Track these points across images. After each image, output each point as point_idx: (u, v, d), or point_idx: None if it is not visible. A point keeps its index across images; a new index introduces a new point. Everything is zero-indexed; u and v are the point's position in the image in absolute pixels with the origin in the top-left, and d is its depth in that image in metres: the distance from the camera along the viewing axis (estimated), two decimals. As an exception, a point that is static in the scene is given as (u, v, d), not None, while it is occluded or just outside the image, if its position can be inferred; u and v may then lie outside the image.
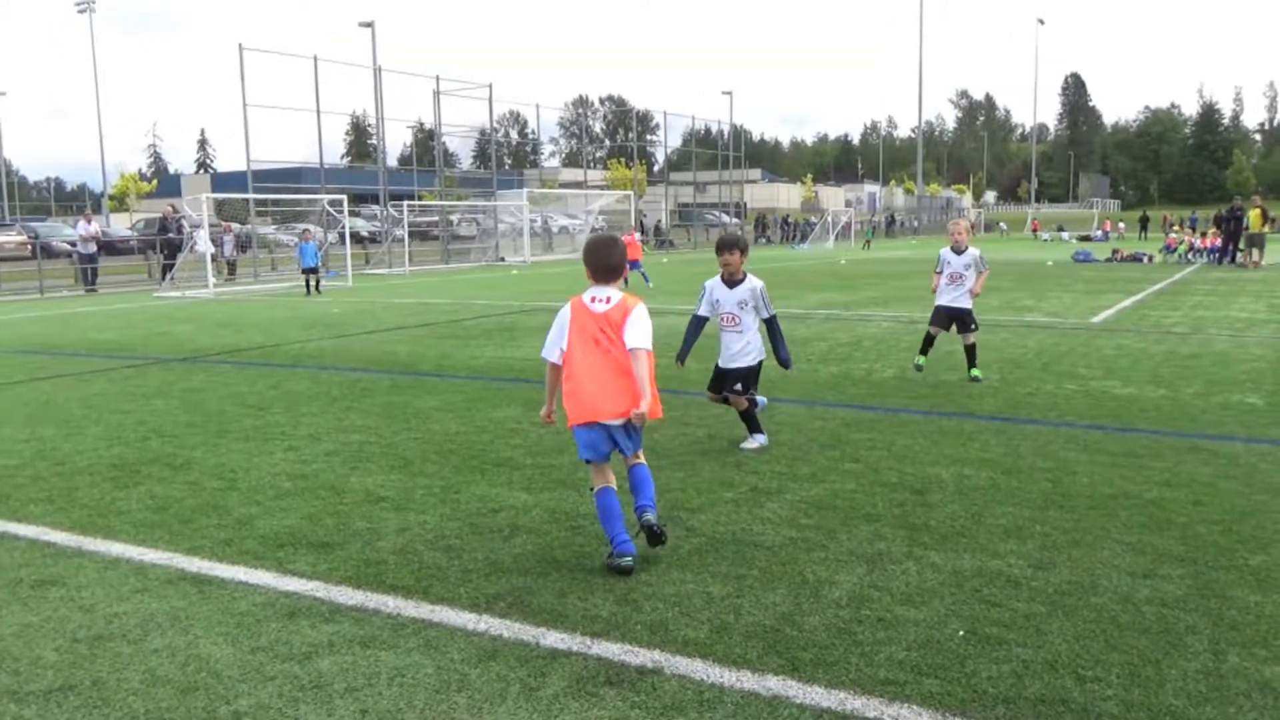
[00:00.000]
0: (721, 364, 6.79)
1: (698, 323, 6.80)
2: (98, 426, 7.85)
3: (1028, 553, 4.67)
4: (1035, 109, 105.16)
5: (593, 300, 4.70)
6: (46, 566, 4.69)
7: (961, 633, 3.80)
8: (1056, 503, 5.46)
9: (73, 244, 31.35)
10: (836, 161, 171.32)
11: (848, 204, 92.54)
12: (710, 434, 7.22)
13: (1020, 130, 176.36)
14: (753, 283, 6.63)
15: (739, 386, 6.69)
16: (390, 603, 4.18)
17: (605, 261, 4.72)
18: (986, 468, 6.20)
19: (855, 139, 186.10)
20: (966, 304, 9.53)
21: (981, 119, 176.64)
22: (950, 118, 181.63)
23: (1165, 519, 5.15)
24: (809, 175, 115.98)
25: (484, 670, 3.55)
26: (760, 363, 6.76)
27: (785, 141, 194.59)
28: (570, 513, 5.36)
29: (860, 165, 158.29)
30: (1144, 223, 66.09)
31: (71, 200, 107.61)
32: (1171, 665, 3.52)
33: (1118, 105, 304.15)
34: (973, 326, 9.56)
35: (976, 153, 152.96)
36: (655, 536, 4.57)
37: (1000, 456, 6.49)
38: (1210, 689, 3.35)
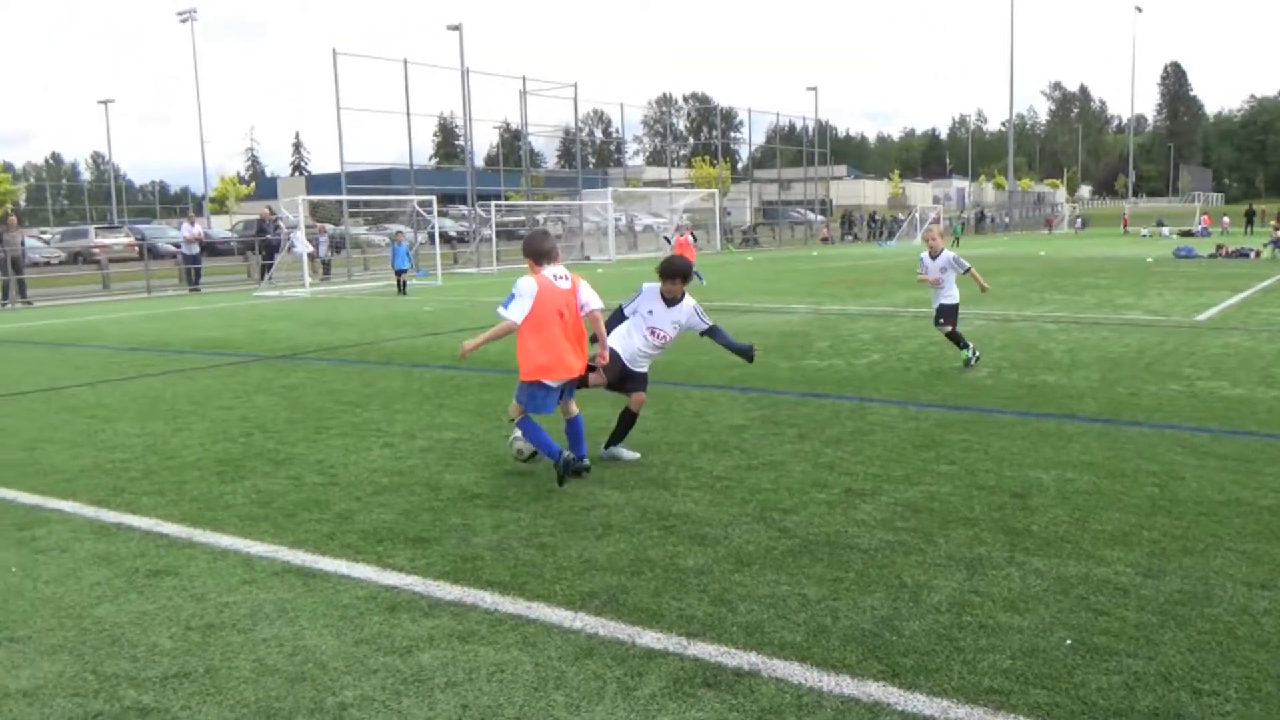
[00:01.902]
0: (630, 366, 6.72)
1: (619, 318, 6.76)
2: (204, 422, 8.13)
3: (1136, 560, 4.52)
4: (1133, 100, 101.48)
5: (555, 278, 5.91)
6: (160, 557, 4.87)
7: (1069, 641, 3.69)
8: (1164, 508, 5.27)
9: (177, 245, 32.57)
10: (924, 157, 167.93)
11: (936, 200, 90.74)
12: (800, 434, 7.16)
13: (1117, 122, 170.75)
14: (689, 302, 6.70)
15: (639, 385, 6.74)
16: (487, 598, 4.24)
17: (540, 248, 6.05)
18: (1089, 471, 6.03)
19: (943, 133, 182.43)
20: (950, 300, 10.35)
21: (1076, 111, 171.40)
22: (1043, 110, 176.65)
23: (1283, 527, 4.93)
24: (896, 171, 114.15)
25: (581, 668, 3.58)
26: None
27: (871, 137, 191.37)
28: (662, 512, 5.36)
29: (949, 160, 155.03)
30: (1249, 217, 63.29)
31: (175, 203, 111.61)
32: (1294, 681, 3.37)
33: (1221, 94, 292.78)
34: (940, 321, 10.33)
35: (1070, 146, 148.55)
36: (577, 473, 5.89)
37: (1103, 460, 6.29)
38: (1338, 707, 3.20)
